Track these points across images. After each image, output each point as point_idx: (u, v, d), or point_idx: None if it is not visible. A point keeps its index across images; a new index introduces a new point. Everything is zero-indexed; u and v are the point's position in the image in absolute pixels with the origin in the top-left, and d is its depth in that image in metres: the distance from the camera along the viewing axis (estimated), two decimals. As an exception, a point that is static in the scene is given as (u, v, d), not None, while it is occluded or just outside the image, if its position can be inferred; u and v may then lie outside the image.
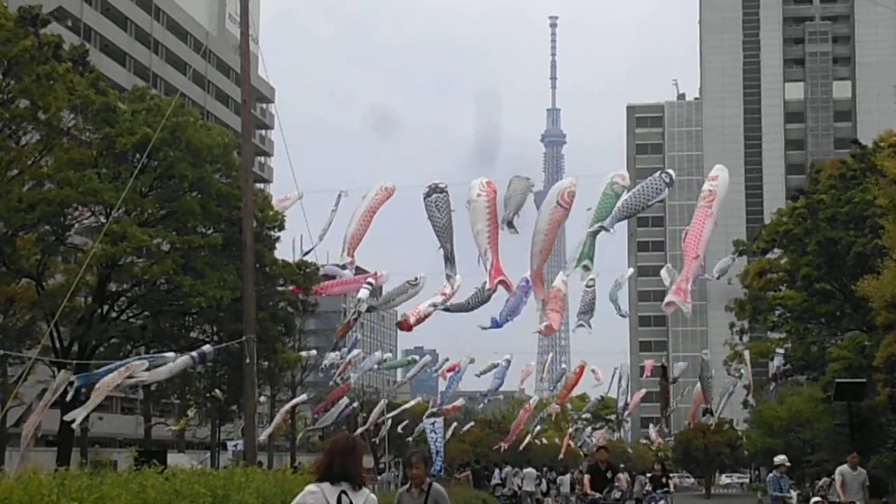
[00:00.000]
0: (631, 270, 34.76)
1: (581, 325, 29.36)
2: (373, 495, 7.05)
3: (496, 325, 26.99)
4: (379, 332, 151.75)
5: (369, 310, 29.99)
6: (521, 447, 63.84)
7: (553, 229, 18.10)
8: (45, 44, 31.23)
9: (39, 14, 32.12)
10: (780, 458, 23.95)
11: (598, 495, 19.93)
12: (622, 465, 54.70)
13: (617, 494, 20.03)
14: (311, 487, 6.89)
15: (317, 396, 70.90)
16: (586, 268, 17.92)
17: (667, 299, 17.56)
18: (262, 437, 43.68)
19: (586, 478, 20.59)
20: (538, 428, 67.01)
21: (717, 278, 33.31)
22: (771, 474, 24.40)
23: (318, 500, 6.80)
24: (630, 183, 18.51)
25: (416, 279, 27.23)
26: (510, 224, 18.18)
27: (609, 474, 20.24)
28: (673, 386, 59.07)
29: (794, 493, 24.90)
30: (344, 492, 6.84)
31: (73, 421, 22.33)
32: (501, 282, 18.10)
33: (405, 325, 26.31)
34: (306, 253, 26.64)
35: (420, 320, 26.36)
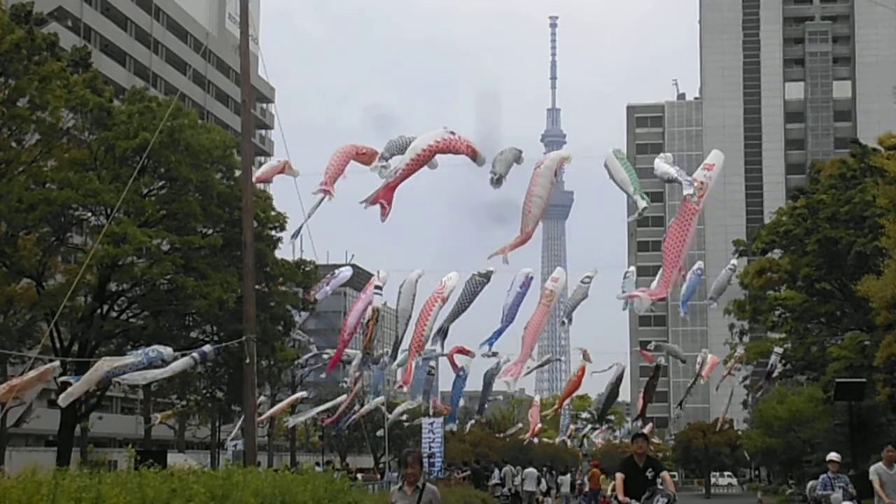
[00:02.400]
0: (633, 269, 34.70)
1: (563, 323, 29.23)
2: None
3: (491, 343, 26.59)
4: (379, 331, 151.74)
5: (374, 361, 29.90)
6: (525, 443, 63.85)
7: (548, 198, 17.67)
8: (38, 38, 31.17)
9: (31, 11, 32.06)
10: (833, 455, 21.37)
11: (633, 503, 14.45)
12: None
13: (663, 501, 14.33)
14: None
15: (317, 396, 70.91)
16: (642, 198, 17.17)
17: (639, 295, 17.02)
18: (261, 419, 43.68)
19: (619, 477, 14.84)
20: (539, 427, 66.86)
21: (716, 298, 33.42)
22: (822, 476, 21.65)
23: None
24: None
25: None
26: (499, 180, 17.40)
27: (650, 473, 14.58)
28: (674, 386, 59.19)
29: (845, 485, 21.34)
30: None
31: (72, 413, 22.38)
32: (380, 204, 16.85)
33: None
34: (295, 235, 26.30)
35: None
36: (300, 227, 24.72)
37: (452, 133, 16.79)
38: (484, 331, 26.07)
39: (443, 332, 24.80)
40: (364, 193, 17.08)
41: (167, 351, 22.87)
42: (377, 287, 28.59)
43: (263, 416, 43.48)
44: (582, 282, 28.65)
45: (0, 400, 20.21)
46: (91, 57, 35.70)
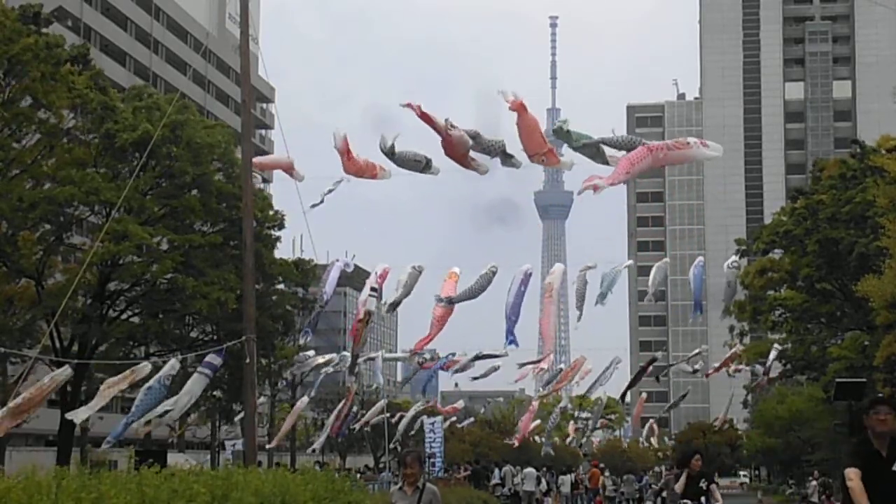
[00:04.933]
0: (630, 262, 34.82)
1: (578, 318, 29.58)
2: None
3: (511, 341, 27.14)
4: (379, 331, 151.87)
5: (391, 308, 29.50)
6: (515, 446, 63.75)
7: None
8: (52, 45, 31.24)
9: (41, 13, 32.10)
10: None
11: None
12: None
13: None
14: None
15: (317, 396, 70.78)
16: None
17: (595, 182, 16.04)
18: (274, 443, 43.86)
19: (852, 474, 12.78)
20: (538, 423, 66.69)
21: (728, 303, 33.48)
22: None
23: None
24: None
25: (418, 267, 27.38)
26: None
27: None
28: (674, 386, 59.20)
29: None
30: None
31: (74, 420, 22.45)
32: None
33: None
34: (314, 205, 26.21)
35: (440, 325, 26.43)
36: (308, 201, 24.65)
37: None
38: (486, 325, 26.32)
39: (449, 300, 25.49)
40: (365, 196, 17.13)
41: (173, 364, 22.95)
42: (372, 289, 28.55)
43: (275, 441, 43.49)
44: (581, 271, 29.06)
45: (22, 413, 20.16)
46: (90, 55, 35.70)
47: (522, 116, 16.61)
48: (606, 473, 50.44)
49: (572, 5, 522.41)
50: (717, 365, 45.95)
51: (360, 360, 37.72)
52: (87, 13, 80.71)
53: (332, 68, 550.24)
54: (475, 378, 48.07)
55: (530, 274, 27.29)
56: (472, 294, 25.48)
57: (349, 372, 35.57)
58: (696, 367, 47.76)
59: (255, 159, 23.82)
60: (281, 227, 38.02)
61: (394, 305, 28.19)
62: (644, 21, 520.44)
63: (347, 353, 40.86)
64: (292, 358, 43.53)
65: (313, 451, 58.82)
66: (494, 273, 25.39)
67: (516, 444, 54.31)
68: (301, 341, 37.78)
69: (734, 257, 35.85)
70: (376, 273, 28.74)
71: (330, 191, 23.58)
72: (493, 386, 74.40)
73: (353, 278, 39.34)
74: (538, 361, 30.76)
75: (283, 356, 40.38)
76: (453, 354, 42.07)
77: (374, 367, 44.35)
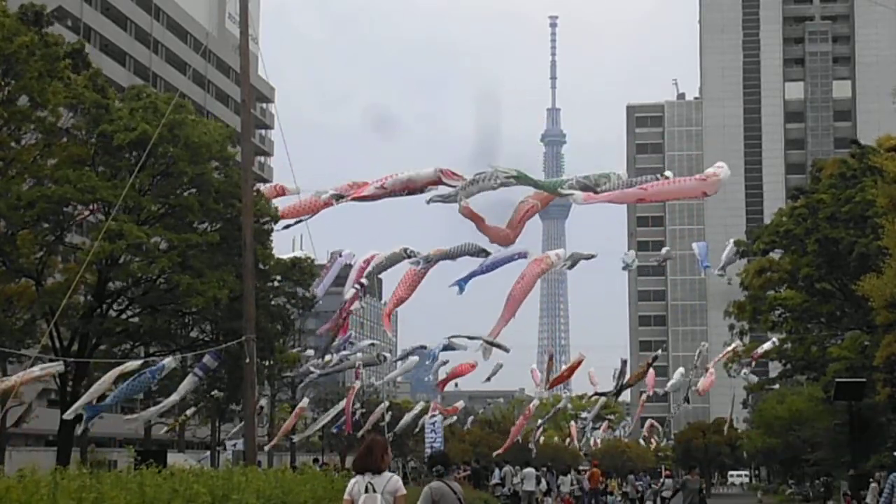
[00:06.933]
0: (632, 253, 34.93)
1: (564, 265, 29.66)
2: (395, 476, 9.81)
3: (460, 285, 26.74)
4: (379, 331, 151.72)
5: (364, 290, 29.25)
6: (528, 446, 63.69)
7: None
8: (53, 43, 31.21)
9: (43, 13, 32.03)
10: None
11: None
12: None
13: None
14: (353, 479, 9.88)
15: (317, 397, 70.85)
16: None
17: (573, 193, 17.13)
18: (272, 443, 43.94)
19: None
20: (539, 426, 66.68)
21: (722, 269, 33.80)
22: (892, 476, 16.79)
23: (356, 486, 9.75)
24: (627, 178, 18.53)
25: (409, 251, 27.38)
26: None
27: None
28: (672, 386, 59.31)
29: None
30: (370, 482, 9.67)
31: (74, 417, 22.52)
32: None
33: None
34: (286, 226, 26.52)
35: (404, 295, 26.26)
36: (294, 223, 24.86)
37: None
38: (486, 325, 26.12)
39: (426, 259, 25.42)
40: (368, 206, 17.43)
41: (168, 361, 22.95)
42: (360, 284, 28.60)
43: (273, 442, 43.57)
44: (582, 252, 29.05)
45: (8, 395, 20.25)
46: (85, 50, 35.62)
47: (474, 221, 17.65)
48: (554, 471, 50.37)
49: (572, 5, 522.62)
50: (713, 370, 46.22)
51: (364, 367, 37.75)
52: (87, 13, 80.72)
53: (332, 68, 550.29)
54: (488, 379, 48.27)
55: (524, 255, 27.05)
56: (449, 255, 25.34)
57: (322, 356, 35.60)
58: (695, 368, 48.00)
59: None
60: (277, 222, 37.89)
61: (369, 276, 28.12)
62: (644, 21, 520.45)
63: (348, 354, 40.84)
64: (294, 363, 43.47)
65: (293, 442, 58.85)
66: (480, 249, 25.17)
67: (501, 451, 53.52)
68: (300, 336, 37.62)
69: (732, 241, 36.41)
70: (371, 261, 28.73)
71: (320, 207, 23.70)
72: (494, 386, 74.38)
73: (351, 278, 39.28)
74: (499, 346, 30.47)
75: (284, 360, 40.28)
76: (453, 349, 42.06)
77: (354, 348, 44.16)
